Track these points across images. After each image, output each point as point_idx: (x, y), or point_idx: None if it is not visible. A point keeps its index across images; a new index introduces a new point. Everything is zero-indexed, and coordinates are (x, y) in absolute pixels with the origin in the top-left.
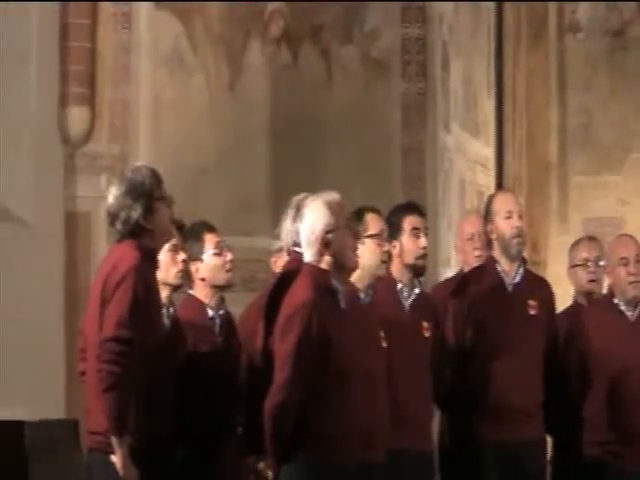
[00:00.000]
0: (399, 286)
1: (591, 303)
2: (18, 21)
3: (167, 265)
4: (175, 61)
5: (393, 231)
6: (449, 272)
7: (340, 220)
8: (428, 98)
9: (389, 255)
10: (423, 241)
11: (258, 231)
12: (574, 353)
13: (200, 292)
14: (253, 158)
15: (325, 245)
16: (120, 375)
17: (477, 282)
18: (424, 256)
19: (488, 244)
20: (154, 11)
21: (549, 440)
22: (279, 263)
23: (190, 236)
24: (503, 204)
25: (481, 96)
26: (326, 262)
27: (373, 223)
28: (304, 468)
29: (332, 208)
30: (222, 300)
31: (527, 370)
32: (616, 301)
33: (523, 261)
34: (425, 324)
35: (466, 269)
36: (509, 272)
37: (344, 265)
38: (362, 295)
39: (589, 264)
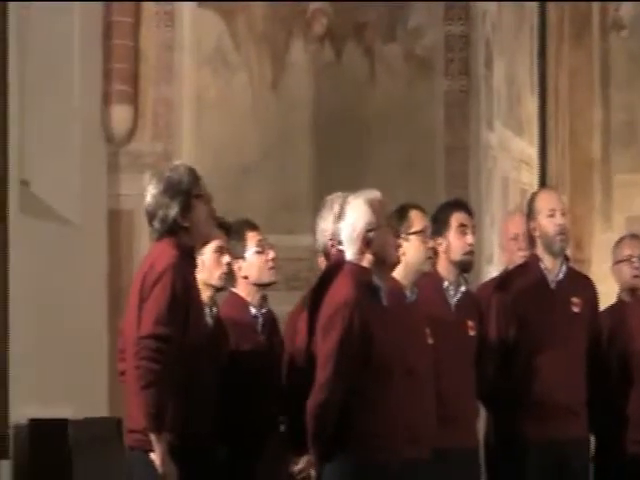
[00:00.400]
0: (445, 284)
1: (635, 299)
2: (62, 20)
3: (211, 266)
4: (218, 60)
5: (440, 228)
6: (492, 269)
7: (381, 218)
8: (471, 96)
9: (434, 252)
10: (470, 238)
11: (301, 229)
12: (617, 351)
13: (243, 290)
14: (296, 156)
15: (366, 243)
16: (158, 372)
17: (520, 279)
18: (471, 252)
19: (531, 242)
20: (197, 10)
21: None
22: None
23: (232, 234)
24: (546, 202)
25: (524, 94)
26: (367, 260)
27: (417, 220)
28: (347, 467)
29: (373, 206)
30: (265, 298)
31: (570, 367)
32: None
33: (566, 259)
34: (470, 323)
35: (510, 268)
36: (552, 269)
37: (385, 263)
38: (407, 292)
39: (633, 259)
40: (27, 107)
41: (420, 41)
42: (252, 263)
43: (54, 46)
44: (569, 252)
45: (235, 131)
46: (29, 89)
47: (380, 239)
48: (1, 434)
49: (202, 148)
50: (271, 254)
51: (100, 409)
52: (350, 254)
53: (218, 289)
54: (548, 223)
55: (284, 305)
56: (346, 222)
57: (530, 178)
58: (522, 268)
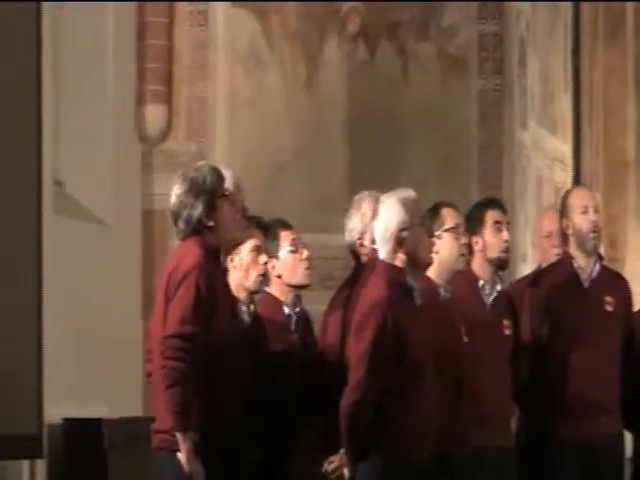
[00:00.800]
0: (480, 283)
1: None
2: (96, 20)
3: (248, 266)
4: (252, 59)
5: (475, 226)
6: (526, 268)
7: (415, 218)
8: (505, 95)
9: (469, 249)
10: (505, 234)
11: (335, 228)
12: None
13: (276, 290)
14: (330, 155)
15: (399, 243)
16: (183, 371)
17: (553, 277)
18: (507, 249)
19: (564, 240)
20: (230, 9)
21: (628, 438)
22: None
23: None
24: (579, 199)
25: (558, 93)
26: (400, 259)
27: (449, 217)
28: (380, 465)
29: (407, 206)
30: (298, 298)
31: (604, 366)
32: None
33: (600, 257)
34: (506, 322)
35: (543, 266)
36: (585, 268)
37: (418, 262)
38: (442, 291)
39: None
40: (61, 107)
41: (453, 40)
42: (286, 262)
43: (88, 46)
44: (602, 251)
45: (269, 130)
46: (63, 90)
47: (413, 239)
48: (35, 434)
49: (236, 147)
50: (305, 253)
51: (134, 408)
52: (383, 253)
53: (253, 292)
54: (581, 220)
55: (318, 304)
56: (379, 221)
57: (564, 177)
58: (555, 266)
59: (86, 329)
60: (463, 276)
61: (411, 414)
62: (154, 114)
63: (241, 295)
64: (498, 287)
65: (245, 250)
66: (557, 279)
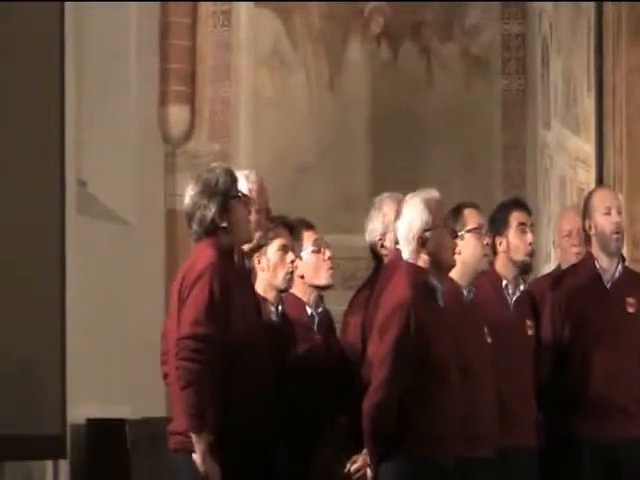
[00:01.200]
0: (504, 283)
1: None
2: (119, 20)
3: (275, 265)
4: (275, 59)
5: (499, 227)
6: (548, 268)
7: (438, 218)
8: (528, 95)
9: (494, 249)
10: (530, 236)
11: (358, 228)
12: None
13: (299, 290)
14: (353, 155)
15: (422, 243)
16: (198, 372)
17: (575, 277)
18: (531, 253)
19: (587, 240)
20: (254, 9)
21: None
22: None
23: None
24: (602, 200)
25: (581, 93)
26: (423, 260)
27: (472, 217)
28: (403, 466)
29: (430, 206)
30: (321, 298)
31: (625, 367)
32: None
33: (622, 258)
34: (529, 322)
35: (564, 266)
36: (608, 269)
37: (441, 263)
38: (465, 292)
39: None
40: (84, 108)
41: (477, 40)
42: (308, 262)
43: (111, 47)
44: (625, 251)
45: (292, 131)
46: (86, 90)
47: (436, 239)
48: (58, 434)
49: (259, 148)
50: (327, 253)
51: (158, 409)
52: (406, 254)
53: (282, 290)
54: (604, 221)
55: (341, 304)
56: (402, 221)
57: (587, 177)
58: (577, 267)
59: (109, 329)
60: (486, 276)
61: (434, 415)
62: (177, 114)
63: (269, 295)
64: (522, 287)
65: (272, 250)
66: (579, 280)
